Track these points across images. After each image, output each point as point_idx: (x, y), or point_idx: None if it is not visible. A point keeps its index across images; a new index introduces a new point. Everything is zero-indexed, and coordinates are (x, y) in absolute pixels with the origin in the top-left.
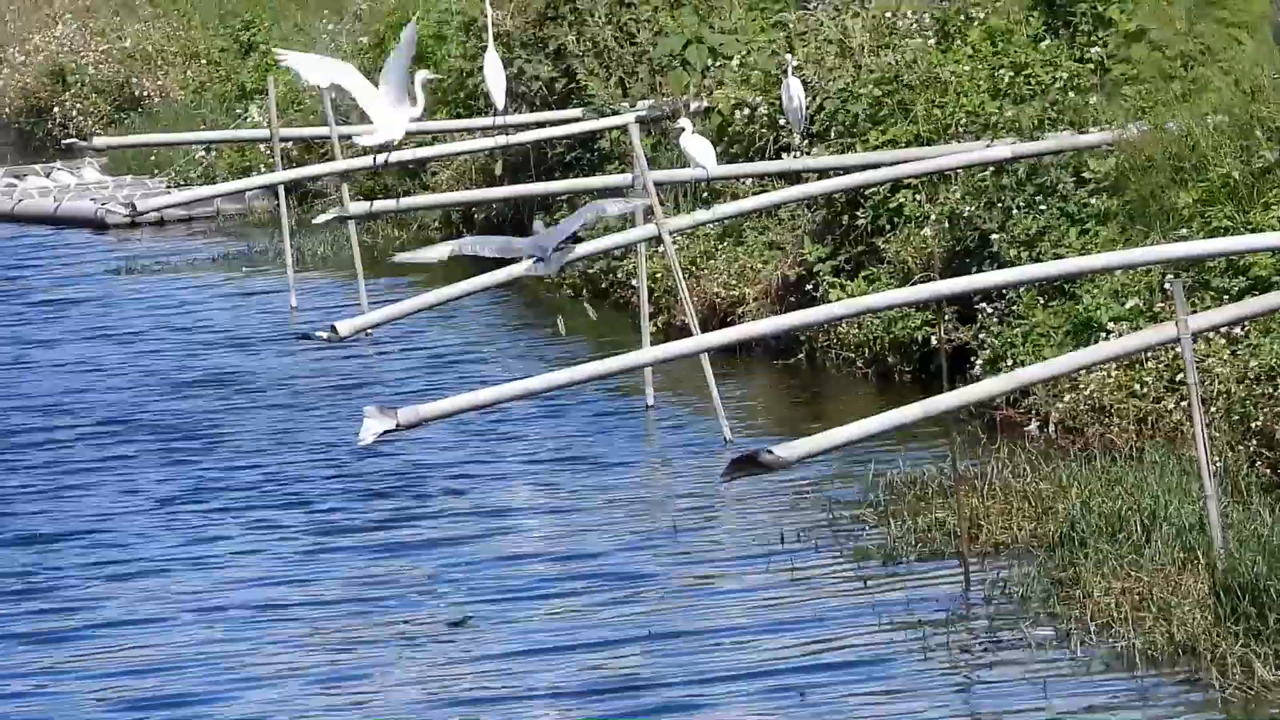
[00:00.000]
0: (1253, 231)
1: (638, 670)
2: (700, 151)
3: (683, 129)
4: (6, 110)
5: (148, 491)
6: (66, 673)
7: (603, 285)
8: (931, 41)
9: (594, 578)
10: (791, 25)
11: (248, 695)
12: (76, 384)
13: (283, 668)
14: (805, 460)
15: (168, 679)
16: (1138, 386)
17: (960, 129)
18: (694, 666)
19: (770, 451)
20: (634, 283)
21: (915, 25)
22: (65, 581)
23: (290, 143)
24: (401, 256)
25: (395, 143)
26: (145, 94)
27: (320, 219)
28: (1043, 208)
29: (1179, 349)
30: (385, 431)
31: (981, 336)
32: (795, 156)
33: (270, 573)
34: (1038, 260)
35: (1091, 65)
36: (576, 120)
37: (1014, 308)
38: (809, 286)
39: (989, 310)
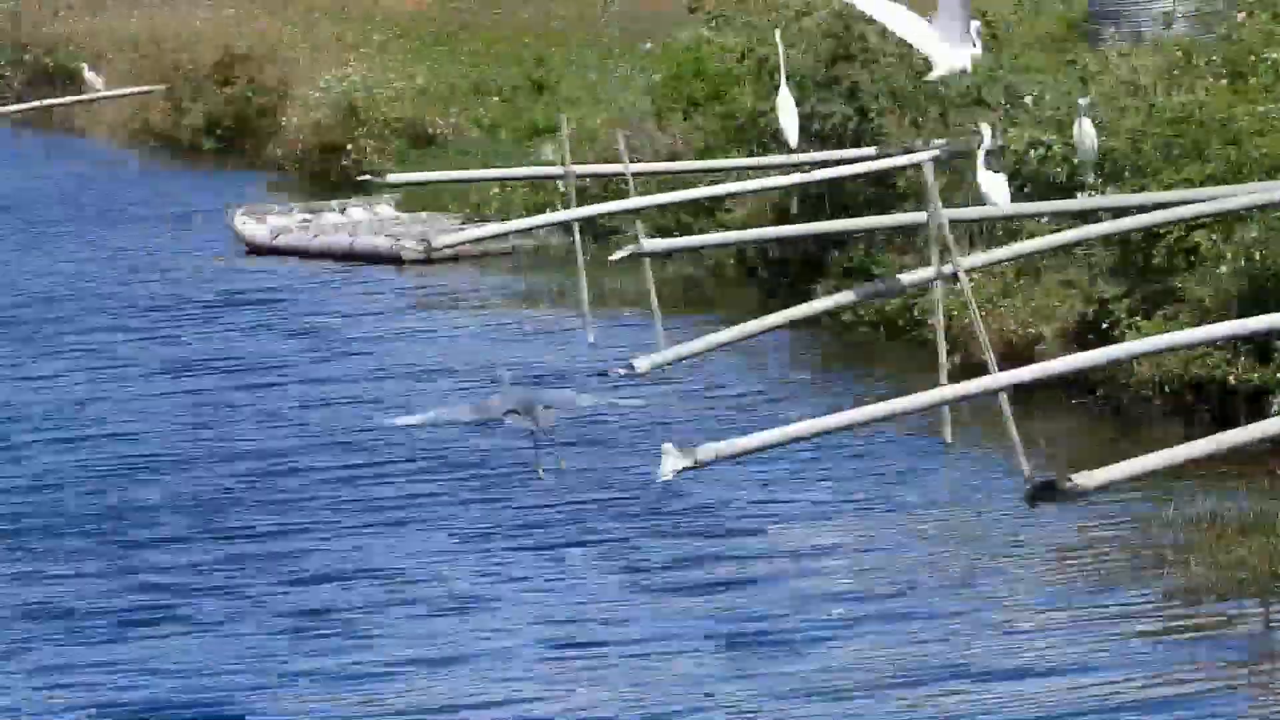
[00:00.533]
0: None
1: (950, 708)
2: (995, 187)
3: (987, 149)
4: (300, 148)
5: (453, 529)
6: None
7: (899, 323)
8: (1224, 81)
9: (894, 618)
10: (1084, 64)
11: None
12: (368, 423)
13: (582, 707)
14: (1104, 487)
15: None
16: None
17: (1255, 168)
18: (998, 706)
19: (1070, 479)
20: (930, 320)
21: (1206, 65)
22: (374, 615)
23: (585, 179)
24: (388, 422)
25: (960, 71)
26: (438, 131)
27: (615, 256)
28: None
29: None
30: (683, 469)
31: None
32: (1089, 195)
33: (577, 611)
34: None
35: None
36: (870, 159)
37: None
38: (1105, 325)
39: None
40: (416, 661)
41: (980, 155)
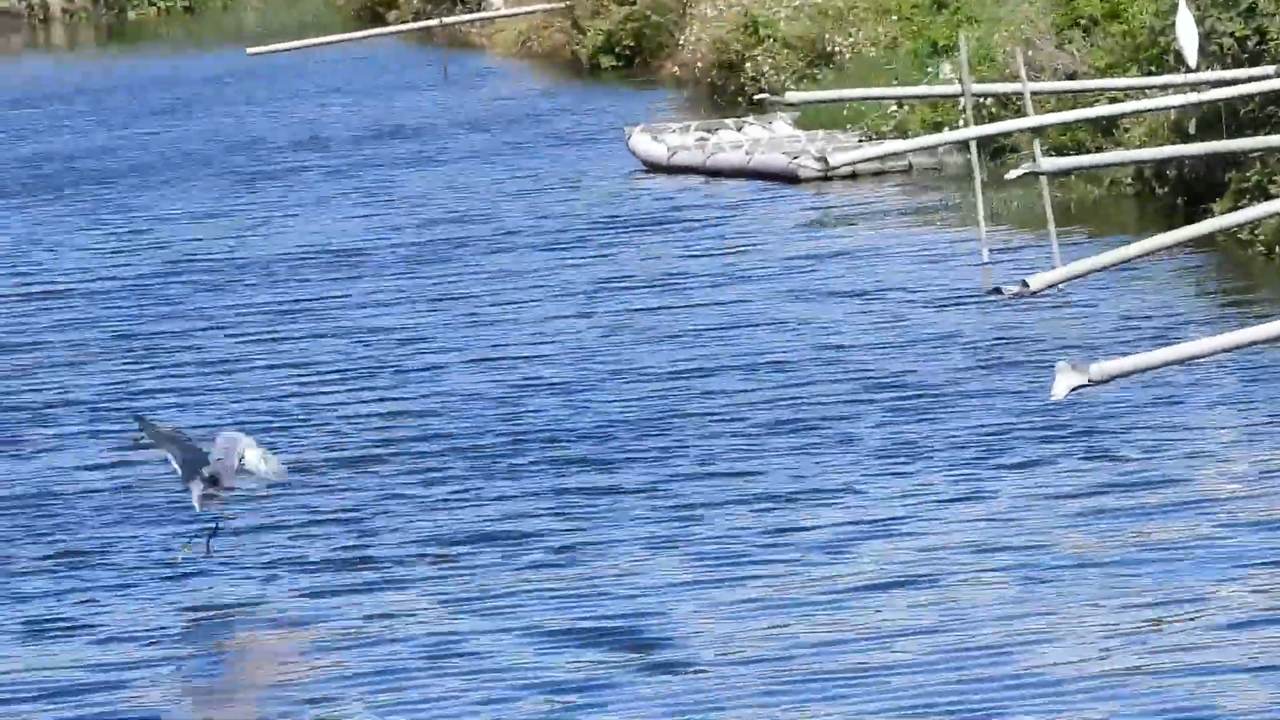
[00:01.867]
0: None
1: None
2: None
3: None
4: (698, 66)
5: (862, 448)
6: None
7: None
8: None
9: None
10: None
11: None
12: (773, 342)
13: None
14: None
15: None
16: None
17: None
18: None
19: None
20: None
21: None
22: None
23: (982, 98)
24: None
25: None
26: (836, 50)
27: (1012, 174)
28: None
29: None
30: (1077, 387)
31: None
32: None
33: (985, 535)
34: None
35: None
36: (1268, 78)
37: None
38: None
39: None
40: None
41: None
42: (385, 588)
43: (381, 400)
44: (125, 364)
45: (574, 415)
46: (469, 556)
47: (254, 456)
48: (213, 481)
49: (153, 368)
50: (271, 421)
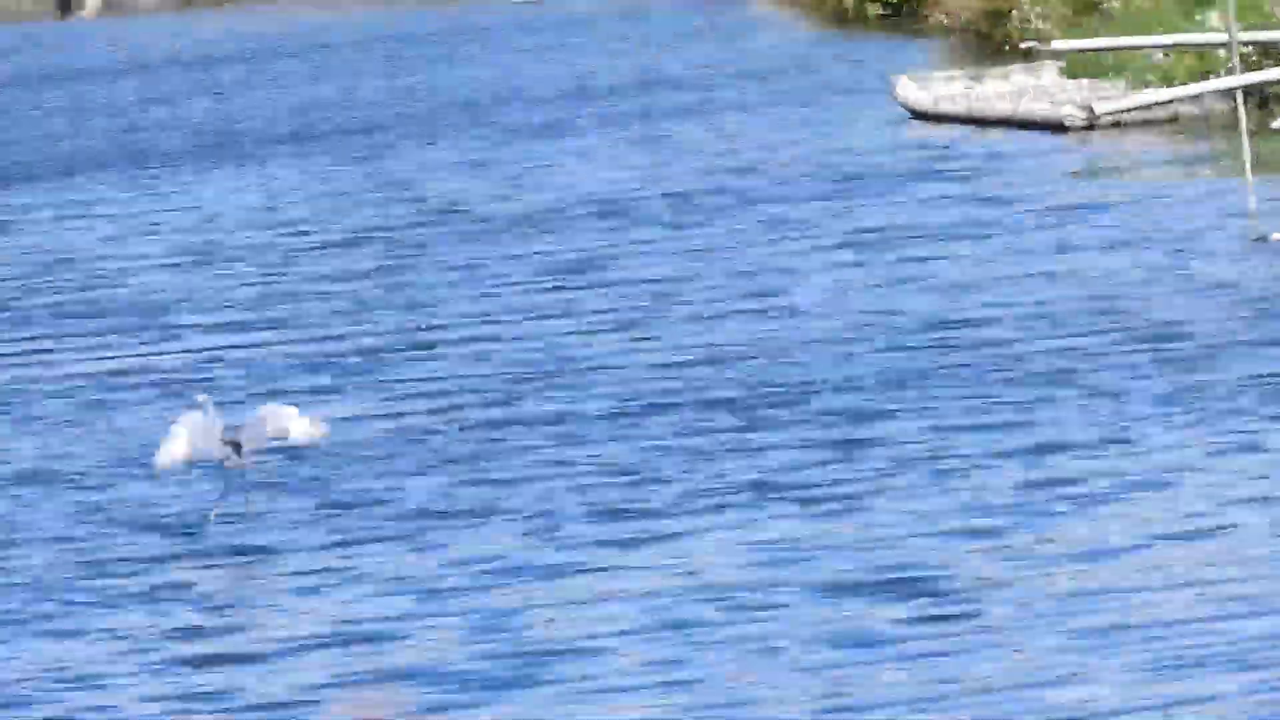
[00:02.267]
0: None
1: None
2: None
3: None
4: (966, 13)
5: (1121, 399)
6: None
7: None
8: None
9: None
10: None
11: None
12: (1041, 292)
13: None
14: None
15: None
16: None
17: None
18: None
19: None
20: None
21: None
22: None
23: (1249, 46)
24: None
25: None
26: None
27: (1278, 123)
28: None
29: None
30: None
31: None
32: None
33: (1262, 487)
34: None
35: None
36: None
37: None
38: None
39: None
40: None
41: None
42: (671, 537)
43: (653, 350)
44: (400, 314)
45: (837, 366)
46: (743, 508)
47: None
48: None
49: (428, 319)
50: (535, 373)
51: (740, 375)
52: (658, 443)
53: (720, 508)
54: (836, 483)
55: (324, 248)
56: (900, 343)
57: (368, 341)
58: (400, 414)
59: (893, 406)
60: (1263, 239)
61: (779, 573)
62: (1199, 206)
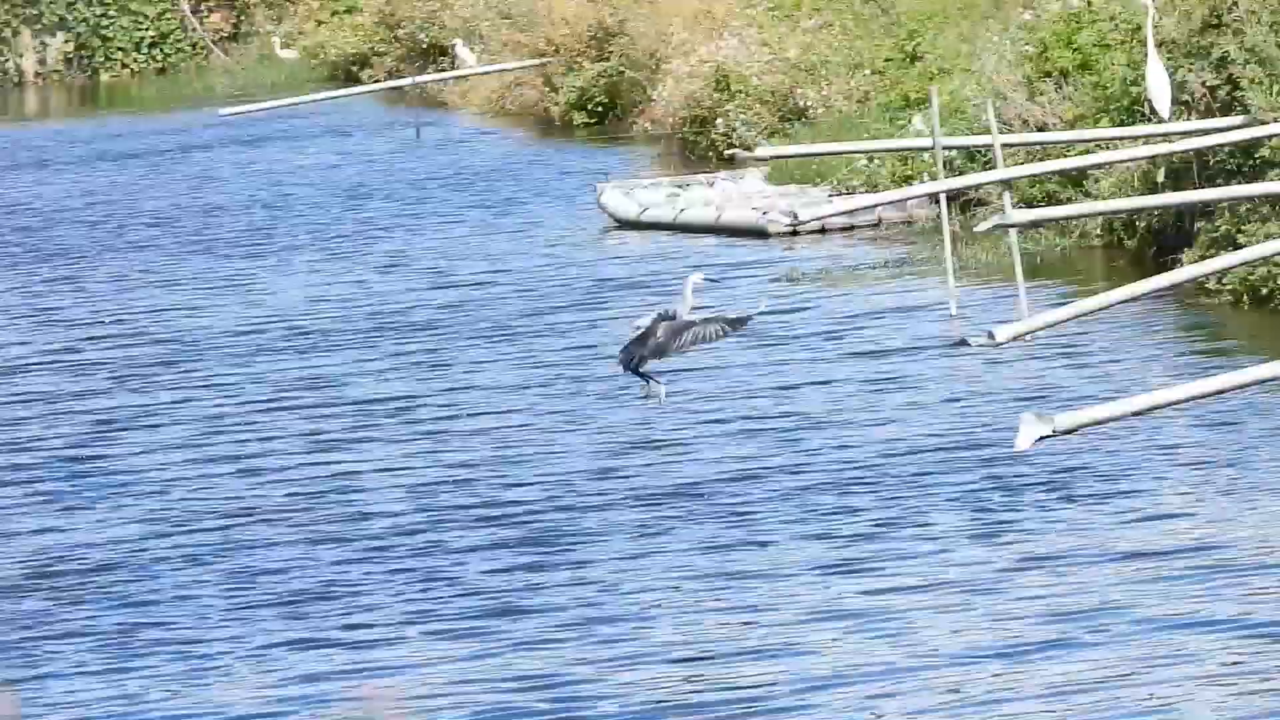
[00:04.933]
0: None
1: None
2: None
3: None
4: (671, 121)
5: (819, 497)
6: None
7: (1263, 292)
8: None
9: (1242, 581)
10: None
11: None
12: (726, 390)
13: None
14: None
15: None
16: None
17: None
18: None
19: None
20: None
21: None
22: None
23: (953, 151)
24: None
25: None
26: (808, 104)
27: (982, 227)
28: None
29: None
30: (1042, 437)
31: None
32: None
33: (897, 579)
34: None
35: None
36: (1238, 127)
37: None
38: None
39: None
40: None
41: None
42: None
43: (351, 472)
44: (74, 434)
45: (532, 485)
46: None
47: None
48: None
49: (113, 440)
50: (230, 497)
51: (432, 500)
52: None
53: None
54: (524, 609)
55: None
56: (598, 455)
57: (41, 469)
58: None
59: (571, 526)
60: (964, 342)
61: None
62: (902, 311)
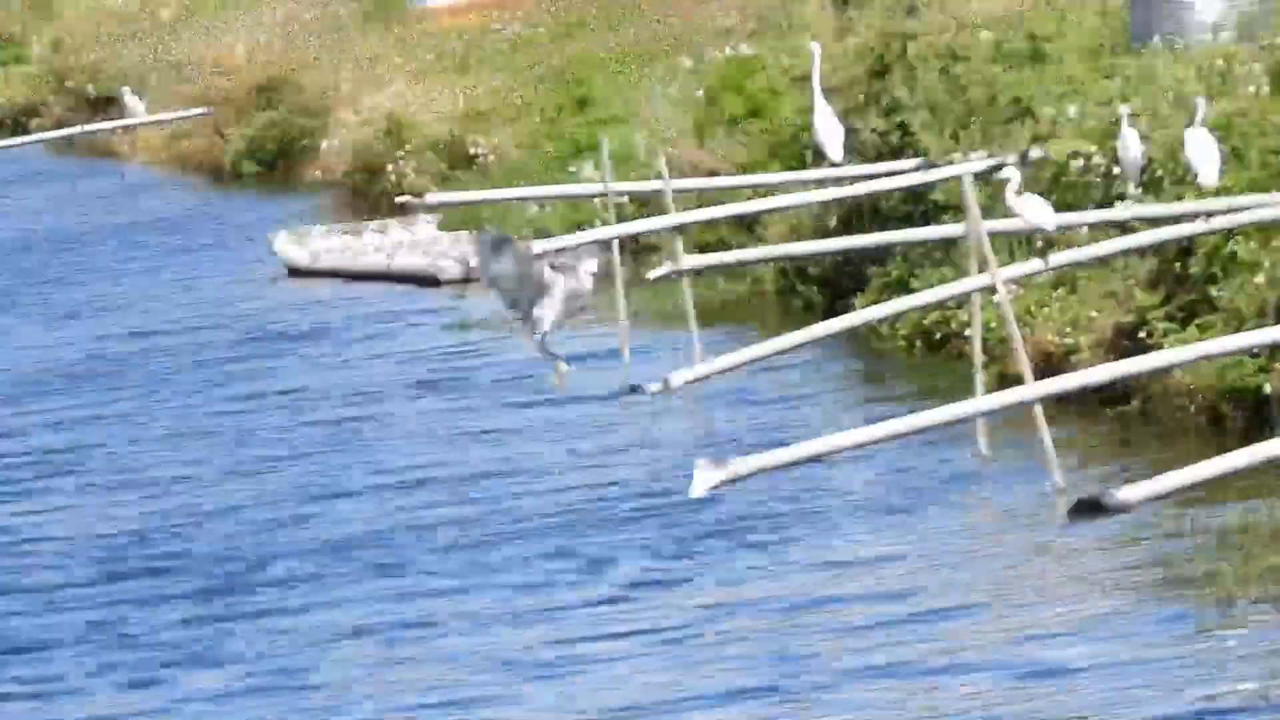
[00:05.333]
0: None
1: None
2: (1033, 208)
3: (1007, 180)
4: (342, 169)
5: (443, 538)
6: None
7: (936, 336)
8: (1265, 89)
9: (921, 624)
10: (1127, 75)
11: None
12: (398, 441)
13: None
14: (1146, 501)
15: None
16: None
17: None
18: (1035, 710)
19: (1113, 494)
20: (967, 333)
21: (1248, 73)
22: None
23: (623, 197)
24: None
25: None
26: (478, 151)
27: (653, 273)
28: None
29: None
30: (717, 484)
31: None
32: (1129, 205)
33: (574, 628)
34: None
35: None
36: (909, 172)
37: None
38: (1142, 335)
39: None
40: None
41: (1008, 192)
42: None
43: (23, 524)
44: None
45: (202, 538)
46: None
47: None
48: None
49: None
50: None
51: (108, 553)
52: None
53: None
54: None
55: None
56: (250, 508)
57: None
58: None
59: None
60: (637, 388)
61: None
62: (576, 358)
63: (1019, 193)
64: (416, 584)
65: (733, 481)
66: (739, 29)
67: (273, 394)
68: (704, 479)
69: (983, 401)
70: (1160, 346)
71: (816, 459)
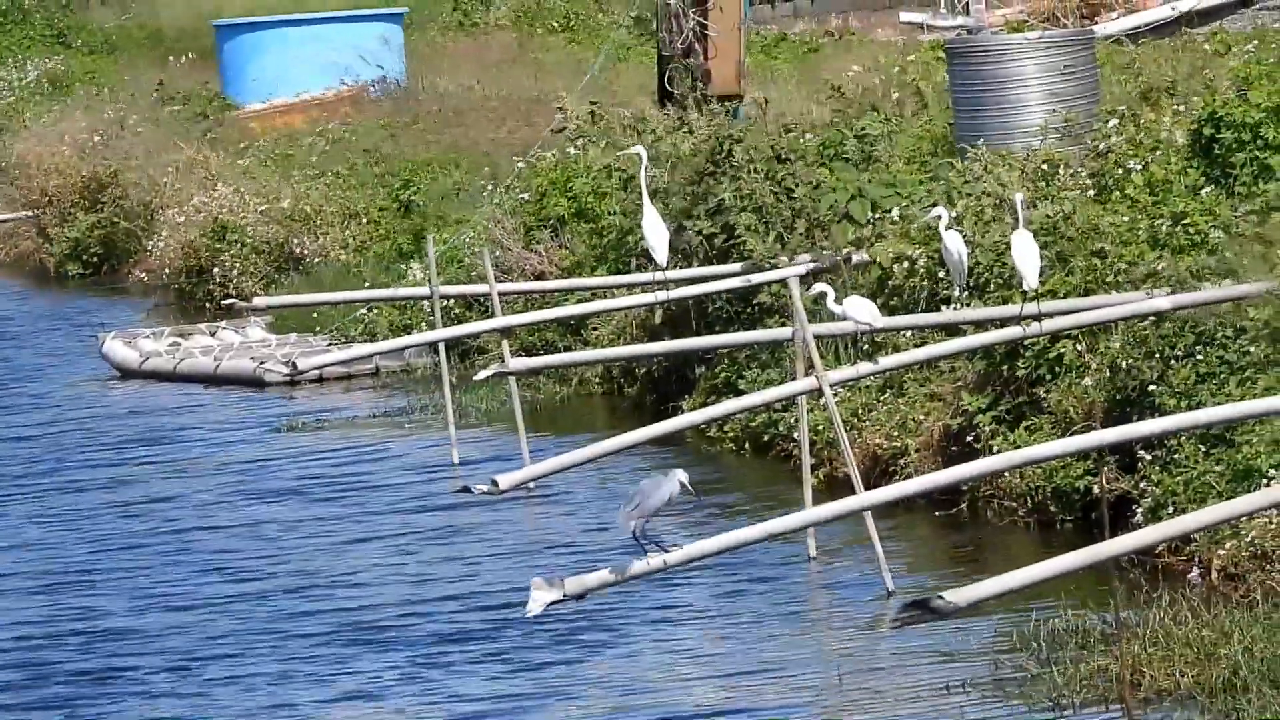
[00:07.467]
0: None
1: None
2: (860, 308)
3: (823, 293)
4: (167, 270)
5: (303, 649)
6: None
7: (764, 438)
8: (1090, 193)
9: None
10: (949, 178)
11: None
12: (236, 545)
13: None
14: (975, 604)
15: None
16: None
17: (1120, 279)
18: None
19: (941, 597)
20: (795, 435)
21: (1072, 176)
22: None
23: (450, 300)
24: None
25: None
26: (305, 253)
27: (481, 375)
28: (1201, 357)
29: None
30: (553, 602)
31: (1143, 485)
32: (955, 308)
33: None
34: (1198, 409)
35: (1254, 214)
36: (736, 275)
37: (1175, 456)
38: (969, 437)
39: (1150, 459)
40: None
41: (829, 304)
42: None
43: None
44: None
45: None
46: None
47: None
48: None
49: None
50: None
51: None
52: None
53: None
54: None
55: None
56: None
57: None
58: None
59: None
60: (465, 489)
61: None
62: (403, 460)
63: (839, 300)
64: (232, 696)
65: (569, 599)
66: (568, 130)
67: (99, 501)
68: (540, 598)
69: (810, 514)
70: (989, 449)
71: (651, 575)
